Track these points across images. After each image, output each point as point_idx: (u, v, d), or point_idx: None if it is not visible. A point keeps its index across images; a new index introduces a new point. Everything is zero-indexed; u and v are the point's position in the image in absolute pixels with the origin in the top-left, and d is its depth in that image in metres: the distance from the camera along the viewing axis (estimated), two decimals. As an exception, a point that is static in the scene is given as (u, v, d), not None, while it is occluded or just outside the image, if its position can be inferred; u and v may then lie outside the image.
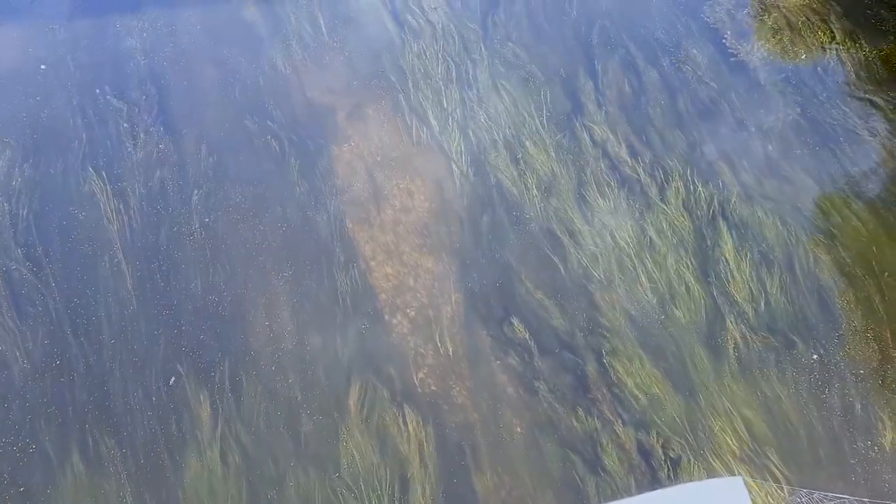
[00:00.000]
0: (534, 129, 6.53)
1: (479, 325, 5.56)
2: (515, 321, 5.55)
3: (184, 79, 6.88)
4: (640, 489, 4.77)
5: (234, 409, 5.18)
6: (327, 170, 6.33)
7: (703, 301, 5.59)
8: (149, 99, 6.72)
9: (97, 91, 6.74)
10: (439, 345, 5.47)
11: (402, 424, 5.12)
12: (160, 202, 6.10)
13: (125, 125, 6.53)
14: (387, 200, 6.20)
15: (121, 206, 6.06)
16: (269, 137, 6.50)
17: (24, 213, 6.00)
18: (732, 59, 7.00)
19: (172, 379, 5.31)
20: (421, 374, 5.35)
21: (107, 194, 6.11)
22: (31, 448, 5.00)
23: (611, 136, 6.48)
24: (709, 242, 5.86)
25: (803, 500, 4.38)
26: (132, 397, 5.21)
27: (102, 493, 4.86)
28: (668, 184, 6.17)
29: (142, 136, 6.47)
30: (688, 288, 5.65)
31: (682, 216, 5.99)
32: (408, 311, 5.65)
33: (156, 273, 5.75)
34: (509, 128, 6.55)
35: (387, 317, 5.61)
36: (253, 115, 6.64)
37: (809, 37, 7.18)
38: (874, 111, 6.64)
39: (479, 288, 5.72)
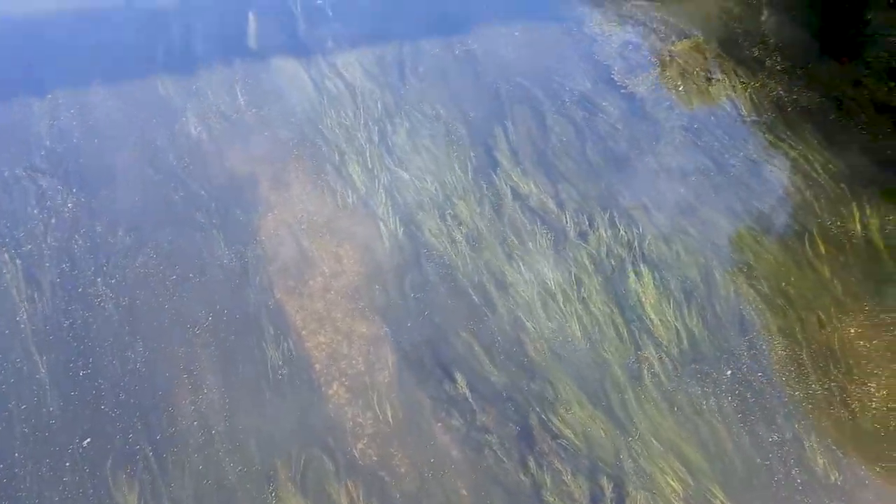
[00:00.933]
0: (458, 185, 6.63)
1: (417, 386, 5.45)
2: (452, 379, 5.47)
3: (97, 153, 6.70)
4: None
5: (163, 494, 4.84)
6: (252, 239, 6.21)
7: (629, 339, 5.67)
8: (60, 173, 6.50)
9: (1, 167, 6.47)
10: (378, 412, 5.32)
11: (343, 500, 4.90)
12: (72, 277, 5.81)
13: (32, 201, 6.27)
14: (315, 267, 6.11)
15: (28, 283, 5.74)
16: (190, 209, 6.35)
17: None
18: (635, 107, 7.36)
19: (87, 441, 4.96)
20: (361, 445, 5.17)
21: (14, 267, 5.79)
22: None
23: (531, 188, 6.63)
24: (632, 282, 5.99)
25: None
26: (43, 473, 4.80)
27: None
28: (591, 228, 6.33)
29: (52, 211, 6.21)
30: (616, 328, 5.74)
31: (605, 259, 6.13)
32: (343, 379, 5.50)
33: (71, 354, 5.41)
34: (434, 186, 6.63)
35: (322, 388, 5.44)
36: (173, 188, 6.50)
37: (700, 80, 7.64)
38: (773, 146, 7.07)
39: (414, 348, 5.64)
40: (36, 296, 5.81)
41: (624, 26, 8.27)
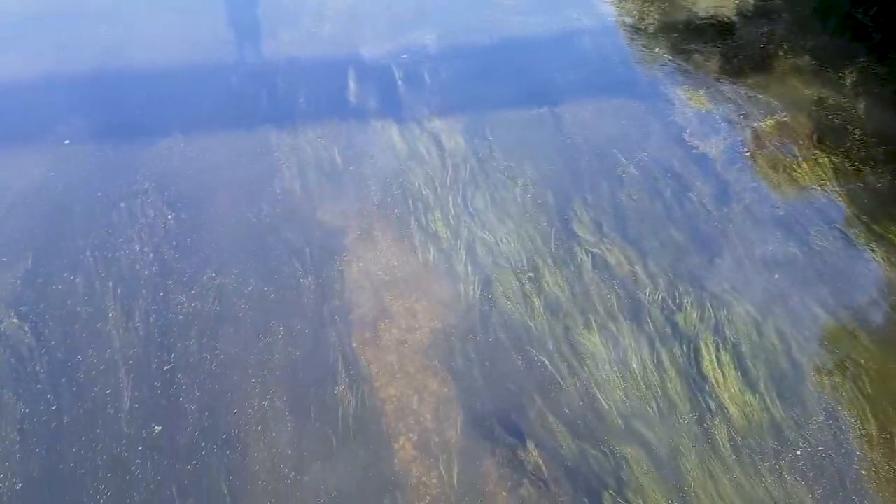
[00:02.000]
0: (538, 251, 6.66)
1: (484, 451, 5.33)
2: (522, 447, 5.33)
3: (199, 194, 7.15)
4: None
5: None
6: (336, 288, 6.39)
7: (705, 424, 5.39)
8: (161, 206, 6.95)
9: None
10: (444, 472, 5.22)
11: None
12: (165, 318, 6.10)
13: (134, 226, 6.70)
14: (393, 320, 6.20)
15: (125, 319, 6.06)
16: (282, 253, 6.63)
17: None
18: (722, 186, 7.27)
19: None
20: (423, 505, 5.07)
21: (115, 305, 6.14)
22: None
23: (613, 259, 6.58)
24: (711, 367, 5.76)
25: None
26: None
27: None
28: (675, 307, 6.18)
29: (149, 238, 6.61)
30: (694, 413, 5.48)
31: (685, 340, 5.94)
32: (411, 434, 5.45)
33: (157, 398, 5.62)
34: (515, 250, 6.68)
35: (390, 441, 5.40)
36: (268, 232, 6.83)
37: (792, 163, 7.49)
38: (871, 235, 6.79)
39: (483, 411, 5.55)
40: (127, 324, 6.12)
41: (712, 104, 8.30)
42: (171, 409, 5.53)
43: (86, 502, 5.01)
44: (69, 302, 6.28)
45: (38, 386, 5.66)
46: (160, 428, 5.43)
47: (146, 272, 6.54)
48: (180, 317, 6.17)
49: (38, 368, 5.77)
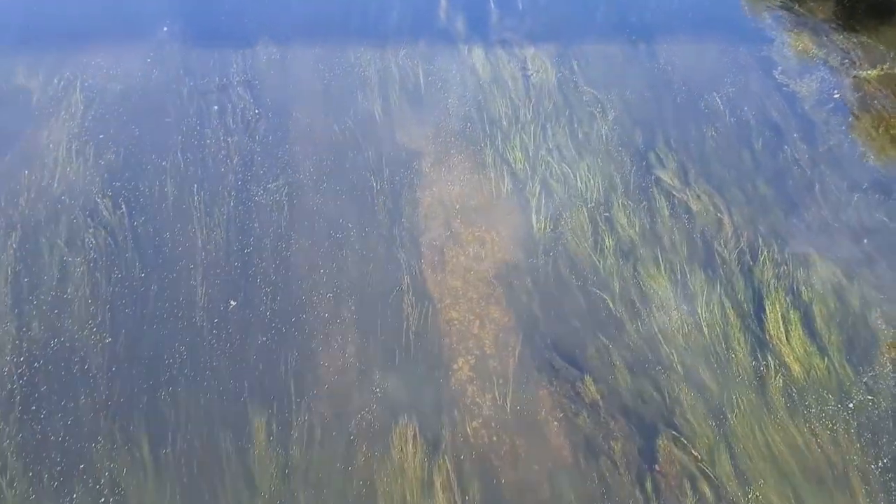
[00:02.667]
0: (616, 190, 6.52)
1: (541, 382, 5.44)
2: (580, 382, 5.42)
3: (285, 99, 7.30)
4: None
5: (288, 437, 5.21)
6: (408, 209, 6.48)
7: (767, 385, 5.30)
8: (246, 105, 7.15)
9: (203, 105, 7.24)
10: (498, 397, 5.38)
11: (446, 473, 5.00)
12: (246, 206, 6.40)
13: (215, 122, 6.95)
14: (461, 247, 6.27)
15: (208, 203, 6.39)
16: (359, 169, 6.75)
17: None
18: (818, 139, 6.84)
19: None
20: (475, 424, 5.26)
21: (200, 208, 6.47)
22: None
23: (693, 205, 6.38)
24: (784, 331, 5.60)
25: None
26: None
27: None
28: (750, 260, 5.98)
29: (232, 141, 6.86)
30: (758, 371, 5.39)
31: (761, 299, 5.77)
32: (469, 358, 5.61)
33: (236, 276, 5.97)
34: (592, 187, 6.56)
35: (448, 362, 5.59)
36: (348, 146, 6.94)
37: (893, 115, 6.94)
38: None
39: (544, 345, 5.64)
40: (210, 208, 6.44)
41: (817, 50, 7.70)
42: (248, 287, 5.93)
43: (165, 360, 5.52)
44: (158, 183, 6.66)
45: (128, 255, 6.14)
46: (235, 303, 5.89)
47: (230, 163, 6.80)
48: (260, 207, 6.46)
49: (128, 240, 6.23)
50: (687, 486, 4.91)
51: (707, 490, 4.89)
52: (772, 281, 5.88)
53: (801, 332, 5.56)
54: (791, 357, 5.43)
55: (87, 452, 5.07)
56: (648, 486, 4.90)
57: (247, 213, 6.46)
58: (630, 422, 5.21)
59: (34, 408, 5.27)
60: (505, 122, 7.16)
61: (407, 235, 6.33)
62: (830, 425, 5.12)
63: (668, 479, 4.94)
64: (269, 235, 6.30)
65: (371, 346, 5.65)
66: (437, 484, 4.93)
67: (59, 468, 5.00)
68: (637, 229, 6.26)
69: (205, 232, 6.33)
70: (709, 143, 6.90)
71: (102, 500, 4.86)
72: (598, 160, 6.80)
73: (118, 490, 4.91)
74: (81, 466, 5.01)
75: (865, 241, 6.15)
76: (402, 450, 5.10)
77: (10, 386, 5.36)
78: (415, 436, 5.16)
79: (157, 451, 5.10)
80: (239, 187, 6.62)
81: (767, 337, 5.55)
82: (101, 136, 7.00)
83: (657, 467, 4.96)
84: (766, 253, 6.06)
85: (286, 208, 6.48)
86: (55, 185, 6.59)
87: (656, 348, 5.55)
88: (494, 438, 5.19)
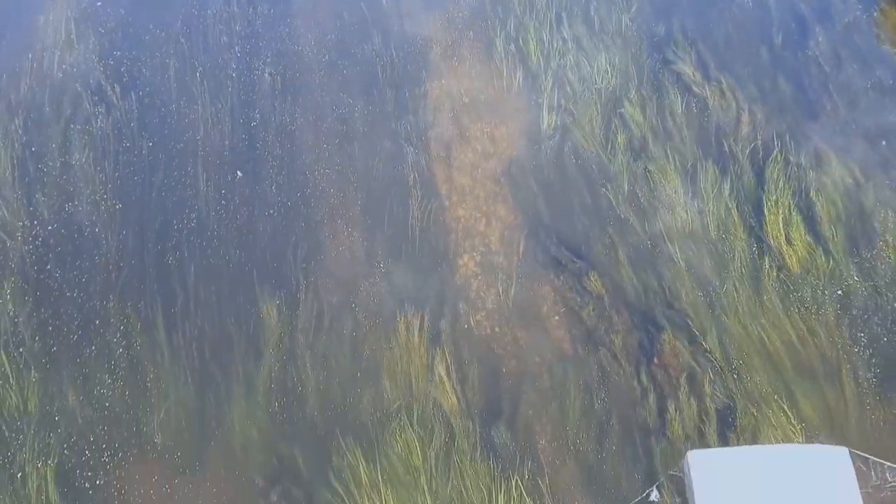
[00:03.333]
0: (635, 87, 6.29)
1: (544, 278, 5.49)
2: (583, 278, 5.46)
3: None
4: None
5: (300, 306, 5.33)
6: (416, 102, 6.32)
7: (766, 274, 5.32)
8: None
9: None
10: (501, 291, 5.44)
11: (448, 362, 5.12)
12: (249, 79, 6.29)
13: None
14: (469, 143, 6.17)
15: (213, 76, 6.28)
16: (368, 55, 6.56)
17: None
18: (847, 43, 6.55)
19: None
20: (479, 317, 5.36)
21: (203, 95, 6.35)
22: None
23: (710, 103, 6.19)
24: (784, 234, 5.55)
25: None
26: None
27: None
28: (763, 162, 5.87)
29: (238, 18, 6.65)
30: (751, 256, 5.38)
31: (771, 200, 5.69)
32: (474, 254, 5.64)
33: (243, 149, 5.95)
34: (608, 84, 6.34)
35: (453, 257, 5.63)
36: (356, 32, 6.72)
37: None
38: None
39: (550, 242, 5.64)
40: (215, 81, 6.32)
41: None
42: (255, 159, 6.00)
43: (174, 225, 5.68)
44: (159, 55, 6.55)
45: (132, 125, 6.16)
46: (241, 174, 5.96)
47: (233, 35, 6.66)
48: (264, 80, 6.38)
49: (133, 111, 6.23)
50: (684, 376, 5.03)
51: (701, 366, 5.02)
52: (783, 181, 5.78)
53: (803, 231, 5.51)
54: (794, 259, 5.42)
55: (100, 309, 5.30)
56: (644, 377, 5.03)
57: (251, 85, 6.39)
58: (633, 316, 5.28)
59: (49, 267, 5.46)
60: (519, 9, 6.83)
61: (413, 130, 6.20)
62: (825, 320, 5.18)
63: (668, 371, 5.07)
64: (276, 105, 6.25)
65: (379, 241, 5.68)
66: (440, 370, 5.08)
67: (76, 322, 5.24)
68: (650, 125, 6.11)
69: (211, 104, 6.28)
70: (729, 35, 6.61)
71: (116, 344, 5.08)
72: (616, 54, 6.53)
73: (133, 341, 5.13)
74: (97, 322, 5.24)
75: (884, 142, 6.00)
76: (407, 338, 5.23)
77: (27, 247, 5.54)
78: (420, 325, 5.27)
79: (168, 310, 5.30)
80: (245, 62, 6.54)
81: (772, 237, 5.51)
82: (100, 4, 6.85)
83: (656, 360, 5.08)
84: (778, 153, 5.92)
85: (289, 78, 6.35)
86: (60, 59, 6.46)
87: (660, 247, 5.54)
88: (497, 330, 5.30)
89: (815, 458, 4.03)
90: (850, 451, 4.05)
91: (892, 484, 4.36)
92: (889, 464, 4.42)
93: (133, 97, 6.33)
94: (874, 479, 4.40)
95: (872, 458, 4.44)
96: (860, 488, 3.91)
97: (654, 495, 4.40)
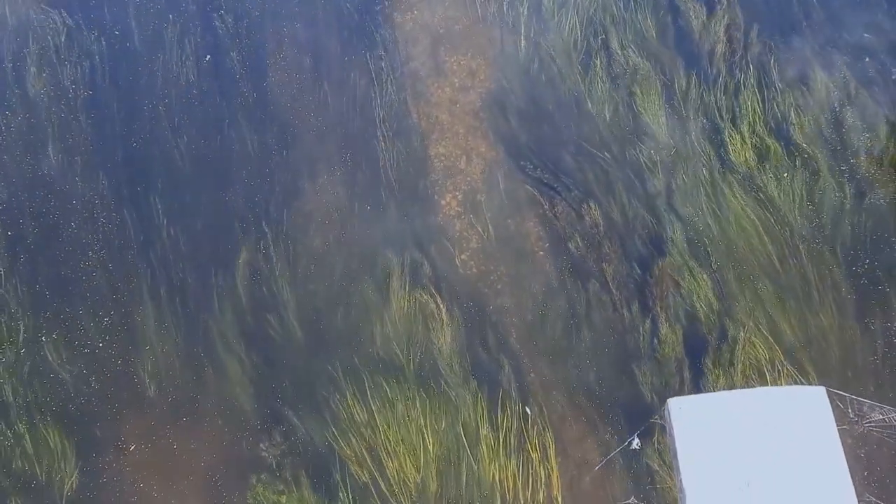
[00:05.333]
0: (615, 14, 6.03)
1: (529, 213, 5.43)
2: (567, 213, 5.39)
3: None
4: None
5: (280, 269, 5.30)
6: (388, 38, 6.06)
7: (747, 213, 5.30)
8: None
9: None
10: (483, 231, 5.38)
11: (438, 302, 5.13)
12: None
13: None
14: (446, 77, 5.96)
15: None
16: (331, 2, 6.23)
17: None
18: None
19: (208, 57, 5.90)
20: (464, 256, 5.33)
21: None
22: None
23: (696, 31, 5.96)
24: (762, 154, 5.48)
25: (884, 415, 4.45)
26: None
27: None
28: (742, 87, 5.73)
29: None
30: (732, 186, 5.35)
31: (752, 126, 5.57)
32: (456, 193, 5.56)
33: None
34: (587, 10, 6.06)
35: (436, 197, 5.54)
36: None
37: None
38: None
39: (533, 177, 5.53)
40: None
41: None
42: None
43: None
44: None
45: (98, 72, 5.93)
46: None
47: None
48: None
49: (94, 54, 5.98)
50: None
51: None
52: (763, 108, 5.66)
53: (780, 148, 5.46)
54: (774, 188, 5.37)
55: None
56: (636, 307, 5.05)
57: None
58: (625, 247, 5.26)
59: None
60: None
61: (386, 64, 5.95)
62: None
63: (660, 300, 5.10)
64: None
65: (357, 185, 5.58)
66: (427, 310, 5.09)
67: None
68: (634, 52, 5.89)
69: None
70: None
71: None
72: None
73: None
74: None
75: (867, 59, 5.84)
76: (391, 279, 5.21)
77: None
78: (402, 266, 5.24)
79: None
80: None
81: (760, 160, 5.44)
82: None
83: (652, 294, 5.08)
84: (758, 83, 5.77)
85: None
86: None
87: (645, 178, 5.46)
88: (483, 270, 5.27)
89: (793, 398, 4.14)
90: (826, 390, 4.14)
91: (869, 419, 4.50)
92: (865, 400, 4.54)
93: (95, 39, 6.06)
94: (851, 415, 4.53)
95: (849, 395, 4.56)
96: (838, 425, 4.02)
97: (636, 443, 4.51)
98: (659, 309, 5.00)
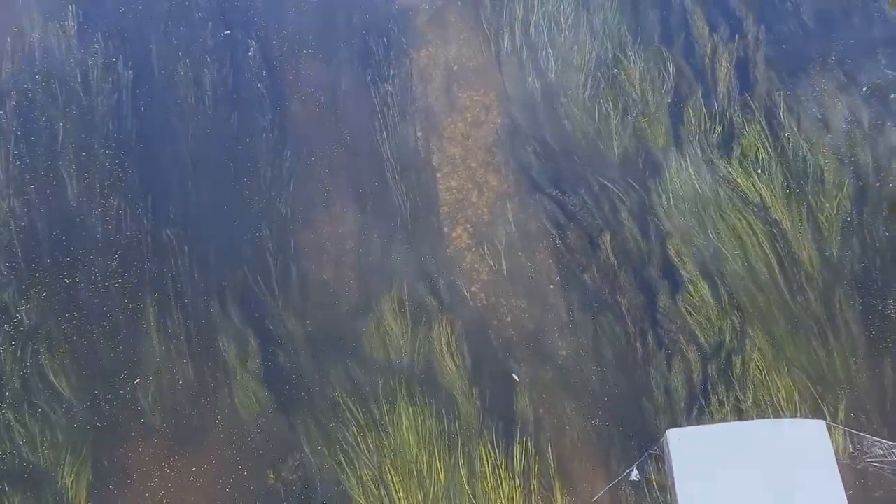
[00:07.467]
0: (623, 52, 6.15)
1: (540, 248, 5.47)
2: (579, 245, 5.41)
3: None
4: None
5: (290, 298, 5.40)
6: (403, 70, 6.21)
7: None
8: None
9: None
10: (493, 264, 5.44)
11: (447, 330, 5.15)
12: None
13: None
14: (459, 112, 6.09)
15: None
16: (347, 38, 6.41)
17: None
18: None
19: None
20: (474, 288, 5.39)
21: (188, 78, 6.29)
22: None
23: (709, 67, 6.07)
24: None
25: (884, 450, 4.38)
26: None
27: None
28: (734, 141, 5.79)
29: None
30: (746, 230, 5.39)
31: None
32: (468, 225, 5.63)
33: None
34: (596, 49, 6.18)
35: (446, 229, 5.63)
36: (336, 15, 6.56)
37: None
38: None
39: (544, 212, 5.60)
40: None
41: None
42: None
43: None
44: None
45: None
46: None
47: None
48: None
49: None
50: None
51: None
52: (766, 154, 5.72)
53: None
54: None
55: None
56: (650, 341, 5.06)
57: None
58: (638, 281, 5.27)
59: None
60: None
61: (401, 99, 6.08)
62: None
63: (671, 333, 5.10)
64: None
65: (370, 217, 5.69)
66: (437, 336, 5.14)
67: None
68: (646, 90, 5.97)
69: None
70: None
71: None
72: (610, 12, 6.33)
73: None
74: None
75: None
76: (401, 308, 5.26)
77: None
78: (411, 296, 5.31)
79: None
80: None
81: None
82: None
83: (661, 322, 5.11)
84: (759, 124, 5.84)
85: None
86: None
87: (656, 215, 5.50)
88: (492, 302, 5.34)
89: (792, 432, 4.09)
90: (827, 424, 4.11)
91: (869, 454, 4.43)
92: (865, 435, 4.49)
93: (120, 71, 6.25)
94: (851, 449, 4.47)
95: (849, 430, 4.51)
96: (838, 460, 3.98)
97: (635, 474, 4.46)
98: (668, 342, 5.05)
